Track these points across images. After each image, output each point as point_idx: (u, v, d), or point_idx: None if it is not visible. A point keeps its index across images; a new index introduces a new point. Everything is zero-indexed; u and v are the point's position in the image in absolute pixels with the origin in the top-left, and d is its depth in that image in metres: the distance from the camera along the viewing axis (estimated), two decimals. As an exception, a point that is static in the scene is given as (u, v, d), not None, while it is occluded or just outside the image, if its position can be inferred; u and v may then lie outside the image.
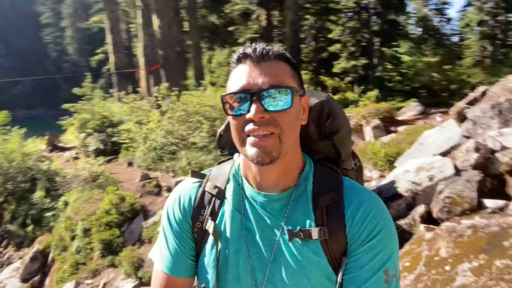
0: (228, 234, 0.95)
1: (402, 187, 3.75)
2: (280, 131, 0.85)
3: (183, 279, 1.01)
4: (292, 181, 0.94)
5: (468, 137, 4.58)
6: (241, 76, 0.87)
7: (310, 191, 0.94)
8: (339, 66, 29.86)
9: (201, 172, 1.08)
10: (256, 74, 0.85)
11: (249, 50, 0.89)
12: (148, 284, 5.75)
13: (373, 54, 28.17)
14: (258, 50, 0.88)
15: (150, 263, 6.30)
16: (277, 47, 0.91)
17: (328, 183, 0.95)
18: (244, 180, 0.98)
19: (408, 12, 33.03)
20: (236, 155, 1.08)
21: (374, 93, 15.31)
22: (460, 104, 6.32)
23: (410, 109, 10.80)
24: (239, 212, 0.95)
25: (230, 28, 21.64)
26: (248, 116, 0.84)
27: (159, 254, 1.03)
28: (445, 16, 35.83)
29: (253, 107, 0.83)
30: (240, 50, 0.91)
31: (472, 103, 6.23)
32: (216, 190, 0.99)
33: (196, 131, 9.86)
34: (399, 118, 10.12)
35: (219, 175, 1.03)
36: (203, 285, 0.96)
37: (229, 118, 0.91)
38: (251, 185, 0.96)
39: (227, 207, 0.97)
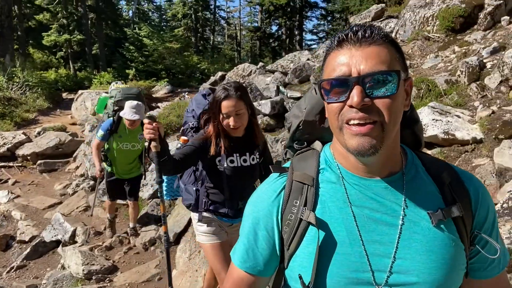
0: (333, 222, 0.87)
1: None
2: (383, 119, 0.78)
3: (265, 278, 0.98)
4: (396, 166, 0.90)
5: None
6: (340, 60, 0.80)
7: (425, 173, 0.92)
8: (49, 38, 27.22)
9: (281, 166, 1.02)
10: (358, 58, 0.78)
11: (350, 33, 0.81)
12: None
13: (88, 30, 27.38)
14: (359, 32, 0.80)
15: None
16: (380, 28, 0.83)
17: (437, 163, 0.94)
18: (341, 167, 0.92)
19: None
20: (316, 144, 1.06)
21: (107, 74, 15.57)
22: (206, 85, 8.07)
23: (162, 88, 12.14)
24: (343, 199, 0.88)
25: None
26: (349, 103, 0.78)
27: (242, 254, 0.96)
28: (154, 3, 38.97)
29: (354, 93, 0.76)
30: (340, 33, 0.84)
31: (214, 84, 8.08)
32: (308, 178, 0.91)
33: None
34: (155, 95, 11.20)
35: (306, 164, 0.96)
36: (299, 275, 0.89)
37: (326, 104, 0.84)
38: (350, 172, 0.90)
39: (326, 195, 0.90)
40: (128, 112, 3.81)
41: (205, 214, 2.35)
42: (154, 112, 7.43)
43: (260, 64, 7.99)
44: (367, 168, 0.87)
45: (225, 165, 2.25)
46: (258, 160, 2.38)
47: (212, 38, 34.40)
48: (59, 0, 26.64)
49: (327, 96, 0.81)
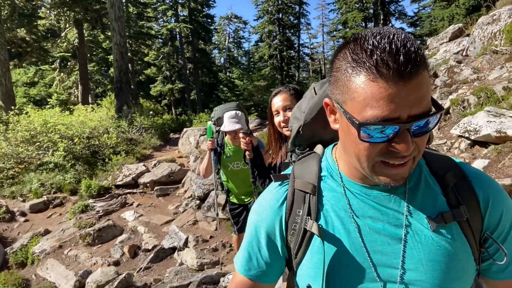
0: (336, 232, 0.84)
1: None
2: (417, 153, 0.73)
3: (269, 284, 0.96)
4: None
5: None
6: (385, 97, 0.65)
7: (429, 174, 0.86)
8: (155, 89, 31.41)
9: (281, 174, 0.98)
10: (409, 99, 0.65)
11: (391, 58, 0.64)
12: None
13: (188, 78, 31.00)
14: (403, 59, 0.64)
15: (39, 280, 6.23)
16: (418, 47, 0.66)
17: (442, 162, 0.88)
18: (344, 175, 0.88)
19: (214, 43, 37.54)
20: (318, 147, 1.01)
21: (204, 115, 17.66)
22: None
23: (252, 121, 13.69)
24: (345, 208, 0.85)
25: (45, 45, 20.17)
26: (396, 150, 0.69)
27: (246, 261, 0.95)
28: (242, 49, 42.36)
29: (404, 140, 0.68)
30: (372, 46, 0.66)
31: (298, 114, 8.93)
32: (310, 187, 0.88)
33: (49, 151, 9.52)
34: (246, 128, 12.75)
35: (307, 172, 0.92)
36: (307, 285, 0.87)
37: (357, 140, 0.72)
38: (353, 180, 0.86)
39: (328, 204, 0.87)
40: (227, 124, 3.32)
41: None
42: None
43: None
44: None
45: None
46: None
47: (297, 75, 35.88)
48: (163, 56, 30.90)
49: (368, 137, 0.70)
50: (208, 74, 32.56)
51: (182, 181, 8.61)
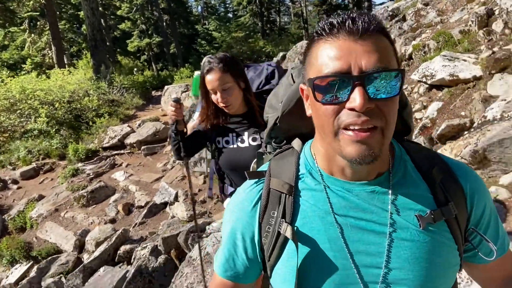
0: (315, 234, 0.80)
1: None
2: (384, 124, 0.69)
3: (248, 284, 0.94)
4: (383, 165, 0.80)
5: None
6: (337, 53, 0.67)
7: (414, 169, 0.83)
8: (133, 44, 30.42)
9: (257, 170, 0.93)
10: (359, 52, 0.66)
11: (346, 20, 0.68)
12: (45, 258, 6.12)
13: (165, 31, 30.00)
14: (358, 21, 0.67)
15: (40, 242, 6.61)
16: (376, 18, 0.70)
17: (427, 156, 0.85)
18: (324, 172, 0.83)
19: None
20: (295, 142, 0.95)
21: (185, 70, 17.46)
22: (269, 66, 9.08)
23: None
24: (325, 208, 0.80)
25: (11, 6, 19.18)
26: (350, 105, 0.66)
27: (223, 263, 0.93)
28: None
29: (357, 94, 0.65)
30: (331, 19, 0.70)
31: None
32: (286, 187, 0.83)
33: (32, 118, 9.55)
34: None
35: (284, 169, 0.87)
36: None
37: (317, 104, 0.71)
38: (335, 177, 0.81)
39: (306, 204, 0.82)
40: None
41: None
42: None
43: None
44: (354, 173, 0.79)
45: (220, 146, 2.10)
46: (261, 141, 2.01)
47: (278, 20, 34.94)
48: (137, 8, 29.60)
49: (322, 96, 0.69)
50: (185, 25, 31.50)
51: (168, 139, 8.84)
